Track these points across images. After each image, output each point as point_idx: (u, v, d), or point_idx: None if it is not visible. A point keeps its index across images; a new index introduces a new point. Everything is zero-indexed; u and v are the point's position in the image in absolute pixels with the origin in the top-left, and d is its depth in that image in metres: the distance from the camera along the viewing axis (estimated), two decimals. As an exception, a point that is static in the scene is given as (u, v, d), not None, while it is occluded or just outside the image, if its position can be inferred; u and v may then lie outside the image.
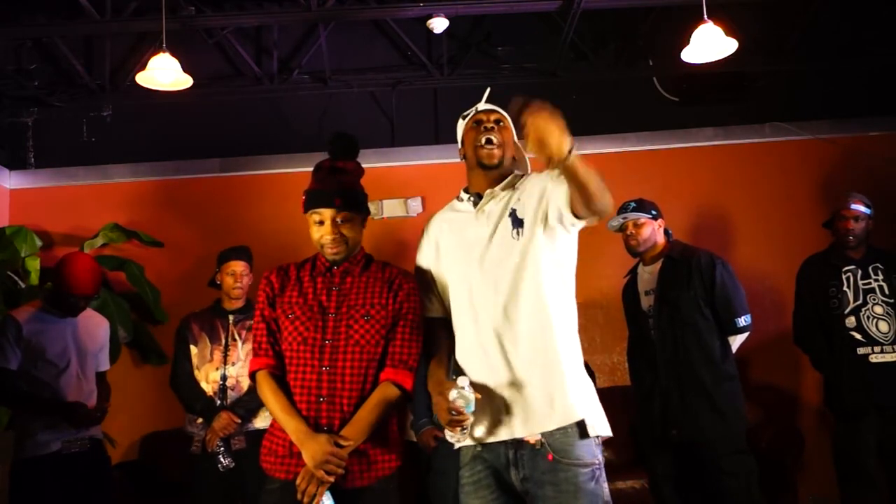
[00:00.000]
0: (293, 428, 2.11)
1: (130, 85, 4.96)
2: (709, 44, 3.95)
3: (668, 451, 3.46)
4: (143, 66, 4.12)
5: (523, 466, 2.03)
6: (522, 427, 2.04)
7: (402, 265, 2.33)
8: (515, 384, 2.06)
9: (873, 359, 3.58)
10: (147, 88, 4.18)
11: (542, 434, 2.01)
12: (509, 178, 2.25)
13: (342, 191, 2.24)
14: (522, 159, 2.34)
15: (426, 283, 2.29)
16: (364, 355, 2.19)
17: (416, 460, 4.20)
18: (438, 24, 4.63)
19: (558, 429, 2.01)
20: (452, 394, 1.98)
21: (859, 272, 3.69)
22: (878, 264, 3.70)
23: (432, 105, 5.36)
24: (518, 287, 2.10)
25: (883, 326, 3.61)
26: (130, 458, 4.60)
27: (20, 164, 5.23)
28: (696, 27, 3.97)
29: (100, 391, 3.48)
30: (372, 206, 5.03)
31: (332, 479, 2.04)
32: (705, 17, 3.95)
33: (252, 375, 2.27)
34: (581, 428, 2.02)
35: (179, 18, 4.38)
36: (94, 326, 3.51)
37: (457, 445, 2.11)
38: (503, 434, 2.06)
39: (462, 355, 2.19)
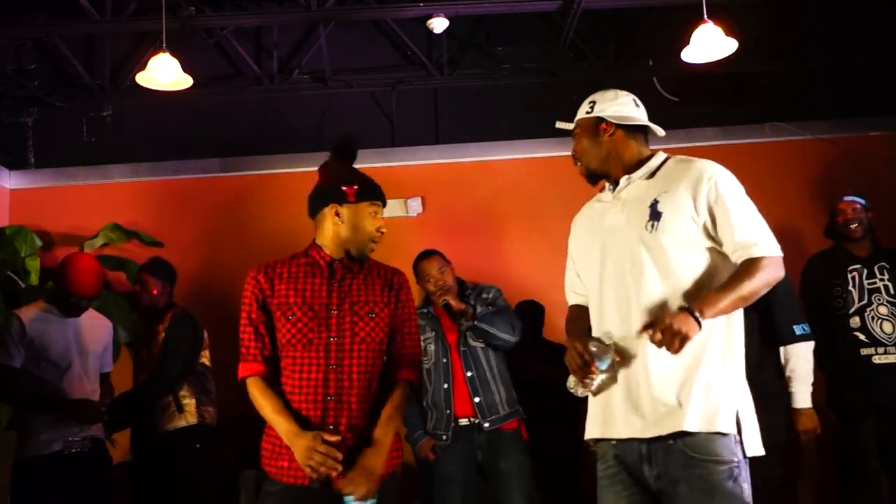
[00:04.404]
0: (285, 429, 2.11)
1: (130, 85, 4.96)
2: (709, 44, 3.95)
3: None
4: (143, 66, 4.12)
5: (657, 463, 1.95)
6: (654, 426, 1.96)
7: (401, 265, 2.33)
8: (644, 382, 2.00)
9: (876, 360, 3.56)
10: (147, 88, 4.18)
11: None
12: (650, 161, 2.20)
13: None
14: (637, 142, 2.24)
15: (572, 272, 2.34)
16: (370, 353, 2.19)
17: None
18: (438, 24, 4.63)
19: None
20: (592, 343, 2.00)
21: (865, 272, 3.64)
22: (883, 263, 3.64)
23: (432, 105, 5.36)
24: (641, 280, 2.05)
25: (887, 327, 3.58)
26: (130, 459, 4.59)
27: (20, 164, 5.23)
28: (696, 27, 3.97)
29: (103, 392, 3.48)
30: (372, 206, 5.03)
31: (316, 476, 2.04)
32: (705, 17, 3.95)
33: (241, 382, 2.21)
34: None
35: (179, 18, 4.38)
36: (97, 327, 3.51)
37: (579, 393, 2.06)
38: (635, 431, 1.98)
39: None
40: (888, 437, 3.55)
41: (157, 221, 5.03)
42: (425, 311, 3.55)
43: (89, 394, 3.36)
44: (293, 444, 2.08)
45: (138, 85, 4.24)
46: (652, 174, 2.17)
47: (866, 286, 3.63)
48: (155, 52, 4.04)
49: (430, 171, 5.10)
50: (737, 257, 2.02)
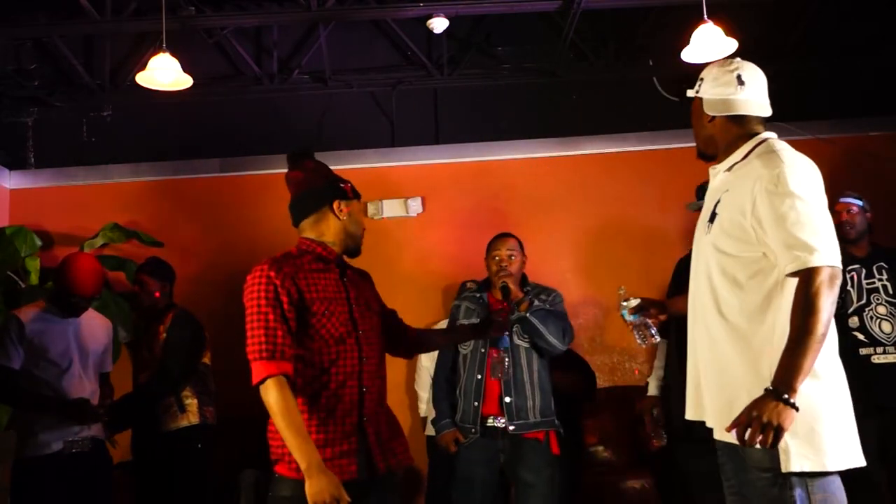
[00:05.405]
0: (311, 456, 1.95)
1: (130, 85, 4.96)
2: (709, 44, 3.95)
3: (696, 445, 3.38)
4: (143, 66, 4.12)
5: (732, 459, 1.98)
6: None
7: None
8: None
9: (875, 360, 3.56)
10: (147, 88, 4.18)
11: None
12: (737, 151, 2.07)
13: None
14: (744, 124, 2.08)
15: None
16: (382, 345, 2.29)
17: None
18: (438, 24, 4.63)
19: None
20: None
21: (863, 272, 3.65)
22: (882, 263, 3.65)
23: (432, 105, 5.36)
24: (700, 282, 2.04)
25: (886, 327, 3.58)
26: (130, 458, 4.59)
27: (20, 164, 5.23)
28: (696, 27, 3.97)
29: (103, 392, 3.48)
30: (372, 207, 5.04)
31: None
32: (705, 17, 3.95)
33: (260, 381, 2.02)
34: None
35: (179, 18, 4.38)
36: (97, 327, 3.51)
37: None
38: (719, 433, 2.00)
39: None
40: (888, 438, 3.55)
41: (157, 221, 5.03)
42: (477, 295, 3.44)
43: (89, 394, 3.36)
44: (315, 475, 1.92)
45: (138, 85, 4.23)
46: (733, 166, 2.06)
47: (865, 286, 3.63)
48: (155, 52, 4.04)
49: (430, 171, 5.10)
50: (783, 268, 1.84)
